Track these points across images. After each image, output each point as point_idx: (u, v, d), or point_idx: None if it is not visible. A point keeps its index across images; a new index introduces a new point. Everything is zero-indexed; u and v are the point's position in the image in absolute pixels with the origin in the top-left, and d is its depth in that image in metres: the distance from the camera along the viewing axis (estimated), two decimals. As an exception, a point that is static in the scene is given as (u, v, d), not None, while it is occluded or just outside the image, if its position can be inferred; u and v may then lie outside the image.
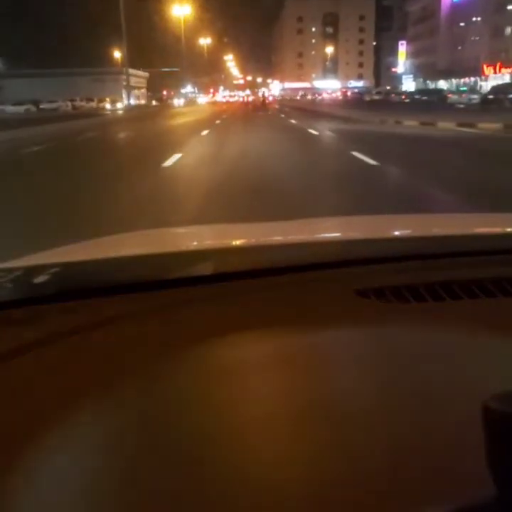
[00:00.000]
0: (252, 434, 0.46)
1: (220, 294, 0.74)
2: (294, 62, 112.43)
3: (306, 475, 0.40)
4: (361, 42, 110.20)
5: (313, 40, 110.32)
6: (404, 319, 0.68)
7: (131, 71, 79.30)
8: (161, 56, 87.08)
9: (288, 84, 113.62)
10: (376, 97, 49.68)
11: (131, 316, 0.68)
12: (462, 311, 0.71)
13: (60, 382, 0.56)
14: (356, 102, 42.28)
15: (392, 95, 46.72)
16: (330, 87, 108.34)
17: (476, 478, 0.34)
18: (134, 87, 79.25)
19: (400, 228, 1.12)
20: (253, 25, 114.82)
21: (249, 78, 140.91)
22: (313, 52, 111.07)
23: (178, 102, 71.18)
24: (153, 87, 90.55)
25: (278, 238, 1.05)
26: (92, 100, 51.90)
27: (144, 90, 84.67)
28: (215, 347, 0.62)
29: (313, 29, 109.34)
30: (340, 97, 77.13)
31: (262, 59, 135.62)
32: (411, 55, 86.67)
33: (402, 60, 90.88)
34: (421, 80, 78.95)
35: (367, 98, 52.22)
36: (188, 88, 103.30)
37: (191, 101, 79.90)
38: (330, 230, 1.14)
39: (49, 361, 0.59)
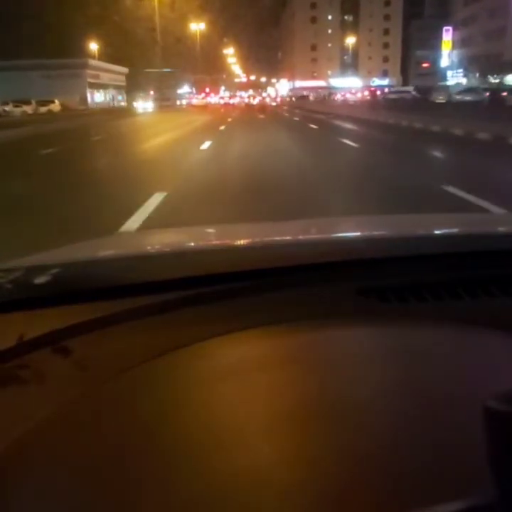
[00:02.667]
0: (251, 434, 0.46)
1: (221, 294, 0.74)
2: (307, 57, 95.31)
3: (306, 474, 0.40)
4: (386, 32, 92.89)
5: (330, 31, 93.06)
6: (405, 319, 0.69)
7: (103, 65, 62.38)
8: (158, 55, 71.26)
9: (299, 83, 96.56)
10: (466, 98, 30.95)
11: (132, 316, 0.68)
12: (463, 311, 0.71)
13: (60, 383, 0.56)
14: (424, 105, 25.06)
15: (504, 93, 28.78)
16: (348, 85, 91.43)
17: (477, 479, 0.34)
18: (106, 86, 61.99)
19: (401, 228, 1.10)
20: (256, 17, 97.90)
21: (252, 78, 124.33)
22: (329, 45, 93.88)
23: (143, 106, 52.88)
24: (146, 87, 74.37)
25: (278, 238, 1.04)
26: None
27: (117, 90, 67.48)
28: (215, 347, 0.62)
29: (330, 17, 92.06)
30: (368, 98, 60.39)
31: (267, 56, 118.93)
32: (460, 44, 69.51)
33: (447, 51, 73.63)
34: (476, 74, 61.47)
35: (440, 98, 34.23)
36: (185, 88, 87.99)
37: (171, 104, 61.18)
38: (331, 230, 1.13)
39: (48, 362, 0.60)
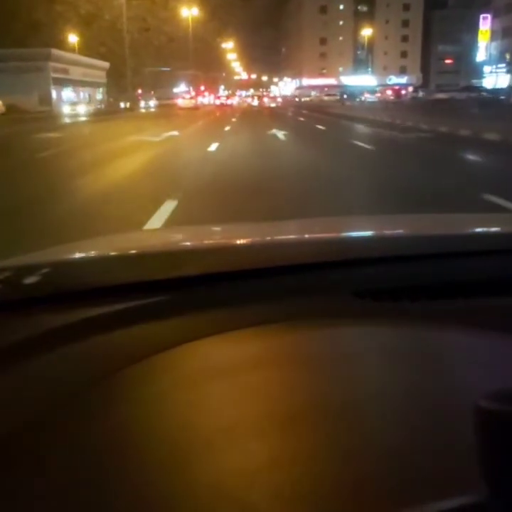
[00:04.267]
0: (248, 434, 0.46)
1: (216, 294, 0.74)
2: (315, 52, 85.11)
3: (299, 474, 0.40)
4: (405, 24, 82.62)
5: (341, 22, 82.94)
6: (401, 319, 0.69)
7: (74, 58, 52.06)
8: (154, 55, 61.89)
9: (307, 81, 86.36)
10: None
11: (130, 315, 0.68)
12: (459, 311, 0.71)
13: (55, 382, 0.56)
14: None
15: None
16: (362, 83, 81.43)
17: (468, 477, 0.34)
18: (79, 83, 51.65)
19: (397, 228, 1.10)
20: (258, 13, 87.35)
21: (253, 76, 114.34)
22: (340, 38, 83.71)
23: (70, 112, 37.45)
24: (134, 86, 64.94)
25: (275, 238, 1.03)
26: None
27: (95, 88, 57.13)
28: (211, 346, 0.62)
29: (342, 7, 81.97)
30: (392, 98, 50.49)
31: (269, 54, 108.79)
32: (501, 34, 59.23)
33: (484, 43, 63.22)
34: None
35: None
36: (182, 87, 78.61)
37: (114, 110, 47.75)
38: (327, 230, 1.11)
39: (43, 361, 0.60)
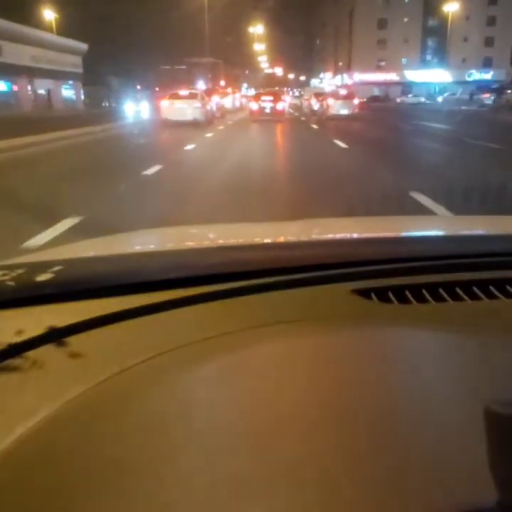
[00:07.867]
0: (248, 435, 0.45)
1: (218, 294, 0.74)
2: (371, 39, 65.49)
3: (303, 477, 0.40)
4: (493, 1, 62.50)
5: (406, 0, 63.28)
6: (406, 320, 0.69)
7: (17, 29, 32.40)
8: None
9: (358, 77, 66.51)
10: None
11: (132, 315, 0.68)
12: (464, 312, 0.71)
13: (61, 381, 0.56)
14: None
15: None
16: (431, 80, 61.97)
17: (477, 482, 0.34)
18: (28, 71, 32.37)
19: (401, 229, 1.11)
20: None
21: (278, 73, 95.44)
22: (405, 20, 63.98)
23: None
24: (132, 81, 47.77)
25: (278, 238, 1.04)
26: None
27: (61, 81, 37.72)
28: (212, 347, 0.62)
29: (408, -21, 62.35)
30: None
31: (294, 48, 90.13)
32: None
33: None
34: None
35: None
36: (201, 85, 61.64)
37: None
38: (331, 231, 1.13)
39: (49, 360, 0.60)
